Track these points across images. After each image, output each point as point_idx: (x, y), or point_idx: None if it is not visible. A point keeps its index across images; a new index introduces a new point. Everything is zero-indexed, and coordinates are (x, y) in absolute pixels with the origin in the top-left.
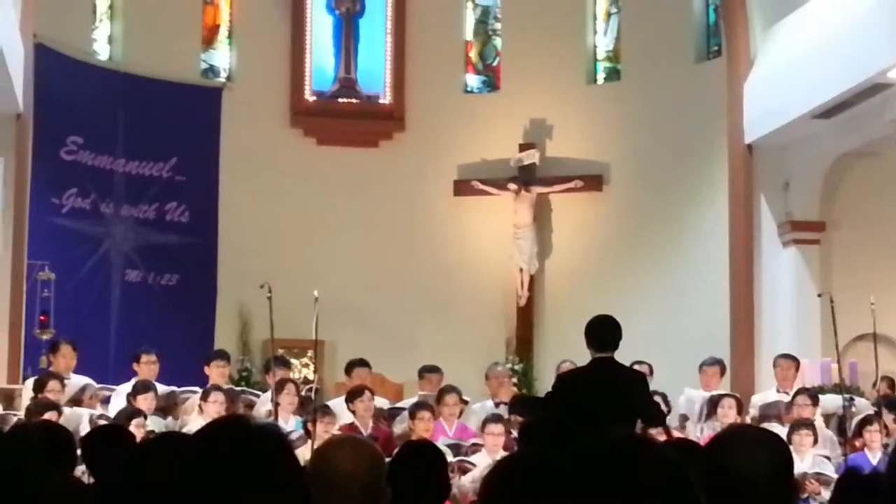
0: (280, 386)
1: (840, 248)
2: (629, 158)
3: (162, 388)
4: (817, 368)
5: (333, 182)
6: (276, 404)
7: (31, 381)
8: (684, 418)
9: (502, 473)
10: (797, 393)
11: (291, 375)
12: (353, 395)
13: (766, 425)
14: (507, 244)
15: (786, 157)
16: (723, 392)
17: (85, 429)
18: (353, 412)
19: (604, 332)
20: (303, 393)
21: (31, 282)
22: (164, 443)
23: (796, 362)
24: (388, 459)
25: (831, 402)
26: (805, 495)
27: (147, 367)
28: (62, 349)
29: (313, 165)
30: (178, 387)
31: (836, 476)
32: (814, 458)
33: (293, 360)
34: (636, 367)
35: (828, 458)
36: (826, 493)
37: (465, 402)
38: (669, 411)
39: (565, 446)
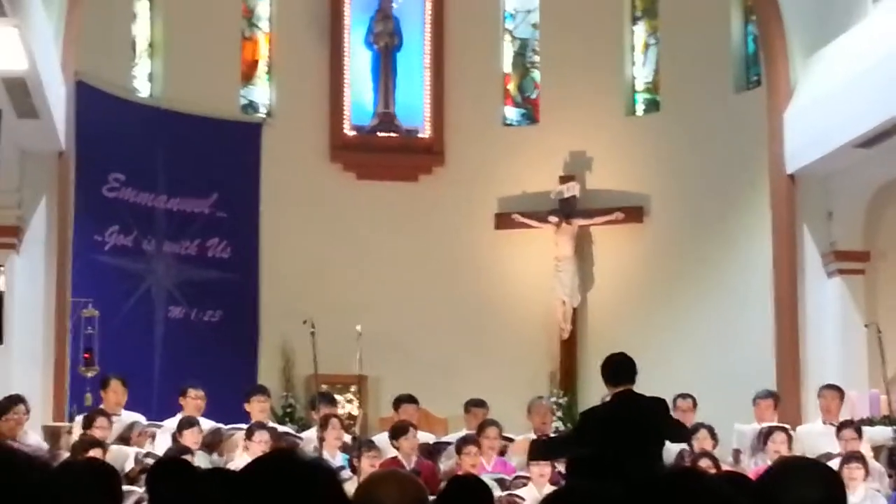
0: (325, 422)
1: (885, 278)
2: (670, 190)
3: (208, 425)
4: (866, 400)
5: (373, 217)
6: (321, 440)
7: (80, 418)
8: (738, 453)
9: None
10: (842, 426)
11: (337, 411)
12: (397, 433)
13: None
14: (549, 277)
15: (828, 187)
16: (774, 424)
17: (130, 466)
18: (398, 448)
19: (619, 368)
20: (348, 430)
21: (74, 319)
22: (213, 478)
23: (841, 393)
24: (431, 496)
25: (881, 434)
26: None
27: (194, 402)
28: (112, 385)
29: (353, 200)
30: (221, 422)
31: None
32: (866, 491)
33: (337, 396)
34: (679, 400)
35: (878, 490)
36: None
37: (510, 440)
38: (716, 444)
39: (614, 479)
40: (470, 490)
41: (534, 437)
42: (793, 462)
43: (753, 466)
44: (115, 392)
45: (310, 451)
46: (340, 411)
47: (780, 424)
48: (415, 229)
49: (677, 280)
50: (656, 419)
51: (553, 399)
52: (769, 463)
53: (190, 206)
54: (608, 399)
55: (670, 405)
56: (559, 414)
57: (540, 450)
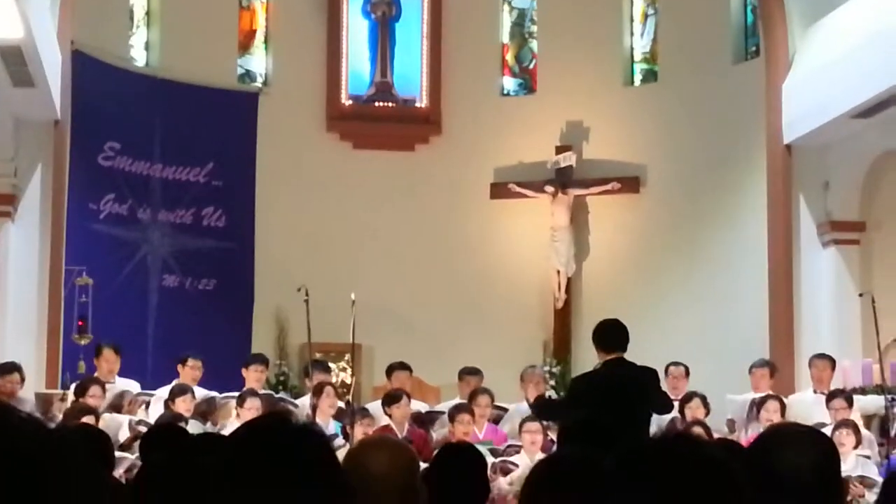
0: (319, 389)
1: (880, 249)
2: (666, 160)
3: (202, 393)
4: (859, 369)
5: (369, 186)
6: (314, 407)
7: (74, 385)
8: (732, 422)
9: (546, 474)
10: (832, 395)
11: (331, 379)
12: (389, 400)
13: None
14: (544, 247)
15: (825, 158)
16: (766, 394)
17: (125, 434)
18: (390, 416)
19: (611, 334)
20: (342, 399)
21: (68, 287)
22: (202, 444)
23: (832, 362)
24: (423, 463)
25: (873, 403)
26: (849, 498)
27: (192, 371)
28: (104, 353)
29: (349, 169)
30: (215, 390)
31: (879, 479)
32: (856, 460)
33: (330, 365)
34: (672, 368)
35: (868, 457)
36: (870, 496)
37: (504, 410)
38: (708, 413)
39: (607, 447)
40: (462, 456)
41: (525, 405)
42: (785, 428)
43: (747, 435)
44: (108, 360)
45: (303, 417)
46: (334, 380)
47: (773, 394)
48: (411, 199)
49: (672, 250)
50: (645, 388)
51: (547, 368)
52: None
53: (185, 175)
54: (599, 366)
55: (662, 373)
56: (552, 383)
57: (536, 407)
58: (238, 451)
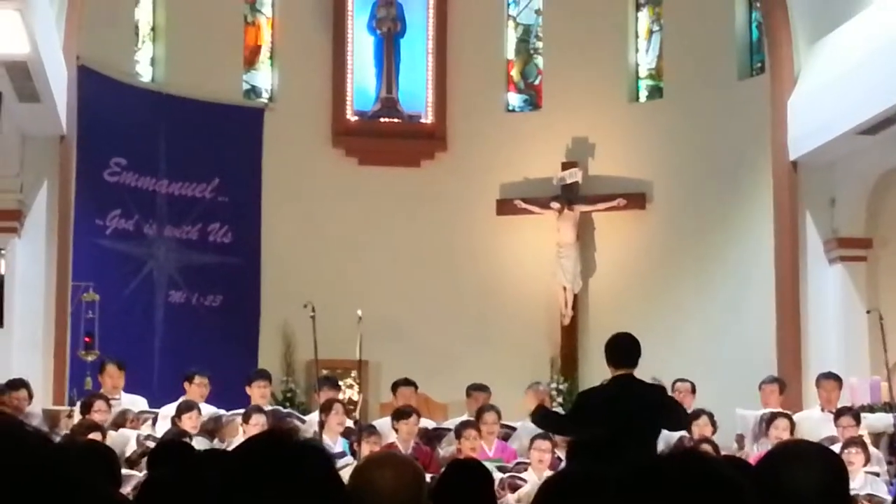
0: (327, 406)
1: (887, 265)
2: (672, 176)
3: (209, 411)
4: (867, 387)
5: (375, 202)
6: (322, 424)
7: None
8: (741, 437)
9: (555, 490)
10: (840, 413)
11: (339, 396)
12: (399, 416)
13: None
14: (551, 263)
15: (831, 174)
16: (776, 410)
17: (132, 449)
18: (397, 431)
19: (623, 349)
20: (349, 416)
21: (75, 303)
22: (207, 459)
23: (839, 381)
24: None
25: (881, 420)
26: None
27: (199, 388)
28: (108, 369)
29: (355, 185)
30: (221, 406)
31: (888, 497)
32: (865, 478)
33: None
34: (678, 384)
35: (878, 475)
36: None
37: (513, 429)
38: (715, 431)
39: (615, 463)
40: (469, 473)
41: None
42: (794, 445)
43: (756, 452)
44: (112, 376)
45: (310, 435)
46: (341, 396)
47: (783, 410)
48: (417, 215)
49: (679, 267)
50: (653, 406)
51: (553, 385)
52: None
53: (191, 191)
54: (607, 382)
55: (669, 389)
56: (559, 400)
57: (539, 415)
58: (240, 466)
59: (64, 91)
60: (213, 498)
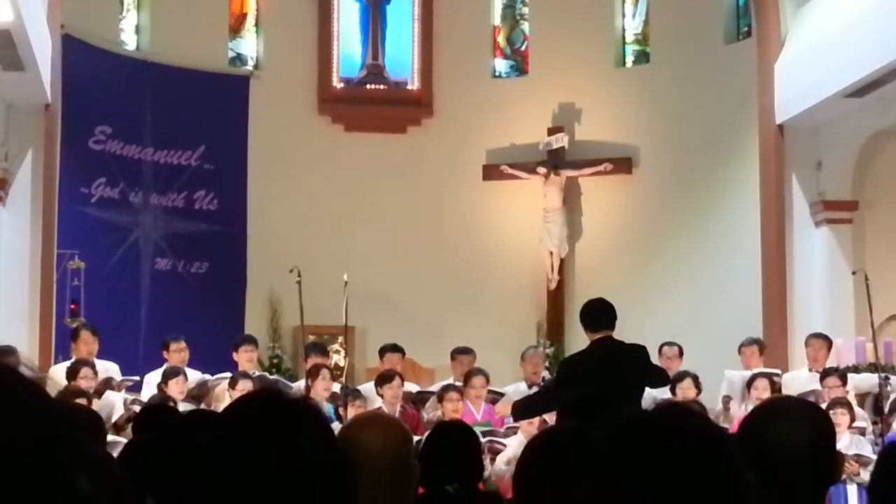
0: (314, 372)
1: (873, 227)
2: (659, 141)
3: (195, 376)
4: (852, 347)
5: (361, 168)
6: (308, 388)
7: (56, 368)
8: (728, 399)
9: (540, 448)
10: (826, 374)
11: (327, 361)
12: (382, 380)
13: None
14: (537, 228)
15: (818, 137)
16: (760, 371)
17: (119, 412)
18: (382, 396)
19: (598, 313)
20: (336, 381)
21: (61, 271)
22: (192, 421)
23: (828, 342)
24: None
25: (866, 381)
26: (844, 476)
27: (177, 354)
28: (82, 335)
29: (341, 152)
30: (209, 373)
31: (874, 457)
32: (851, 438)
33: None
34: (665, 348)
35: (863, 434)
36: (865, 474)
37: (499, 394)
38: (699, 393)
39: (603, 421)
40: (457, 434)
41: (524, 385)
42: (779, 401)
43: (742, 412)
44: (86, 342)
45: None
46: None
47: (767, 370)
48: (403, 181)
49: (665, 231)
50: (635, 364)
51: (540, 349)
52: None
53: (177, 159)
54: (588, 346)
55: (656, 353)
56: (546, 364)
57: (521, 410)
58: (234, 426)
59: (48, 60)
60: (206, 461)
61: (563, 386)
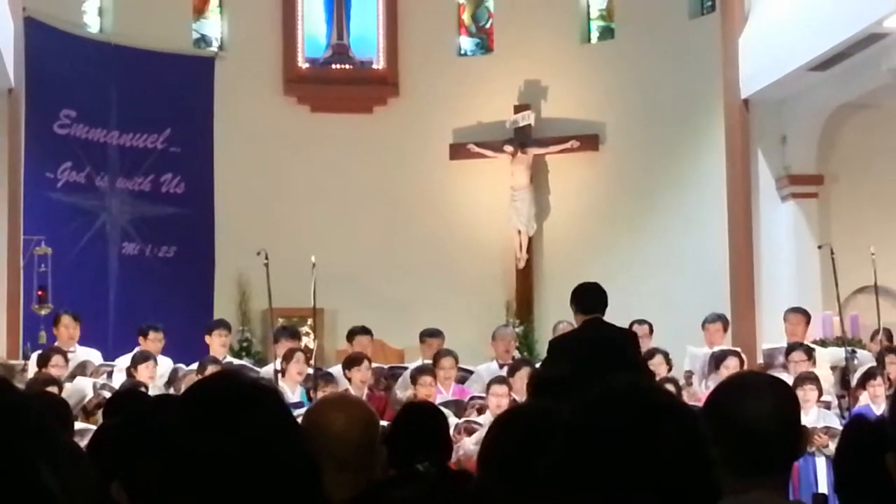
0: (289, 355)
1: (838, 201)
2: (625, 117)
3: (166, 365)
4: (819, 321)
5: (328, 149)
6: (276, 372)
7: (35, 356)
8: (689, 374)
9: (506, 423)
10: (791, 349)
11: (300, 345)
12: (350, 363)
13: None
14: (505, 207)
15: (782, 112)
16: (726, 348)
17: (89, 397)
18: (349, 380)
19: (590, 296)
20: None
21: (27, 257)
22: (159, 404)
23: (807, 316)
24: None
25: (833, 355)
26: (812, 449)
27: (154, 343)
28: (63, 321)
29: (307, 133)
30: (178, 357)
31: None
32: (819, 412)
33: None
34: (636, 326)
35: (828, 406)
36: (833, 446)
37: (470, 372)
38: (671, 369)
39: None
40: (425, 415)
41: (495, 365)
42: (744, 376)
43: (704, 390)
44: (67, 328)
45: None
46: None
47: (732, 348)
48: (370, 161)
49: (632, 207)
50: (623, 350)
51: (510, 328)
52: None
53: (143, 142)
54: (578, 327)
55: None
56: (516, 344)
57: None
58: (189, 407)
59: (11, 43)
60: (162, 442)
61: (551, 365)
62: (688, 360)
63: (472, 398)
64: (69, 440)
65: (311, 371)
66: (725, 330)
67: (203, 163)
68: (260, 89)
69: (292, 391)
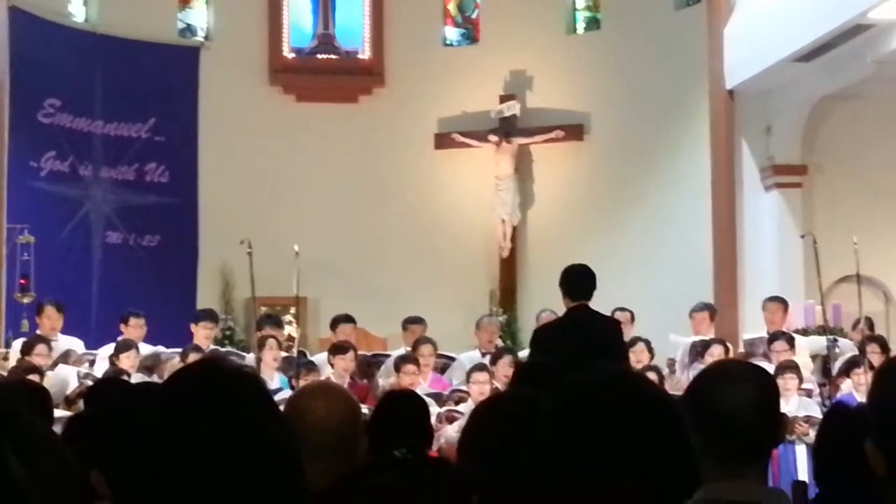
0: (262, 342)
1: (822, 191)
2: (610, 107)
3: (147, 349)
4: (801, 310)
5: (313, 138)
6: (258, 360)
7: (18, 343)
8: (672, 363)
9: (487, 410)
10: (773, 338)
11: (281, 333)
12: (336, 350)
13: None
14: (489, 196)
15: (767, 102)
16: (709, 338)
17: (73, 386)
18: (332, 366)
19: (578, 281)
20: (288, 351)
21: (10, 245)
22: (140, 392)
23: (784, 304)
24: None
25: (815, 343)
26: (793, 437)
27: (135, 329)
28: (46, 310)
29: (293, 122)
30: (161, 346)
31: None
32: (800, 401)
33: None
34: (618, 314)
35: (809, 394)
36: (814, 434)
37: (451, 359)
38: (652, 358)
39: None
40: (405, 404)
41: (477, 353)
42: (724, 365)
43: (686, 378)
44: (50, 317)
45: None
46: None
47: (719, 339)
48: (355, 150)
49: (617, 197)
50: (605, 338)
51: (495, 318)
52: None
53: (127, 131)
54: (564, 314)
55: None
56: (499, 333)
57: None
58: (170, 395)
59: None
60: (143, 430)
61: (537, 353)
62: (671, 348)
63: (452, 391)
64: (44, 427)
65: (294, 357)
66: (712, 320)
67: (188, 152)
68: (245, 79)
69: (270, 378)
